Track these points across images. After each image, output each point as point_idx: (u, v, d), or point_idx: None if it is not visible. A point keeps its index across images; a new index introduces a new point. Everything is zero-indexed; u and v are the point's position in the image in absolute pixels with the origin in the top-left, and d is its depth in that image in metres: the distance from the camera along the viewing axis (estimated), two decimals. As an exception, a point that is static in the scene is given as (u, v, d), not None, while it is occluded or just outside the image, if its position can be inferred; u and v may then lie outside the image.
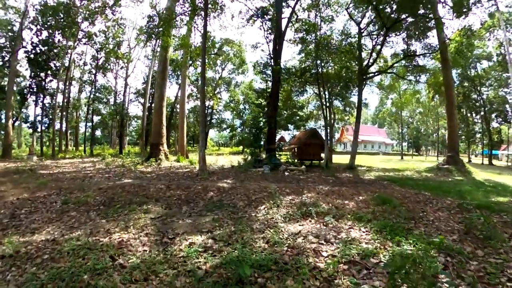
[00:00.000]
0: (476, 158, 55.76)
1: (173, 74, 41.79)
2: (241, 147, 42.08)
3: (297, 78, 20.48)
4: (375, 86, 29.31)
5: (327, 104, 21.70)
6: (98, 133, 72.59)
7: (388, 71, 23.16)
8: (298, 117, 31.99)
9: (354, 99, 31.48)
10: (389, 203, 7.41)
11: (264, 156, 18.72)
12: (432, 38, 21.08)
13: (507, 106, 37.89)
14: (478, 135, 43.05)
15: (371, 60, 20.71)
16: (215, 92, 48.65)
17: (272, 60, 19.79)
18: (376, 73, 22.03)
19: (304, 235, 5.05)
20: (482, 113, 39.32)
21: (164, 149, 20.05)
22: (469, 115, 42.32)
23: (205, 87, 45.62)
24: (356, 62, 20.60)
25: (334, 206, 7.42)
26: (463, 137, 45.19)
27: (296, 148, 22.32)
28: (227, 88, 51.08)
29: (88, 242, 4.53)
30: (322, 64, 20.30)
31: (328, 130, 29.57)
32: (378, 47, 20.66)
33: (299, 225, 5.75)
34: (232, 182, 11.24)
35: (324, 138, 23.91)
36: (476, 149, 69.91)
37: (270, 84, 20.75)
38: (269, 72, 20.64)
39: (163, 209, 6.90)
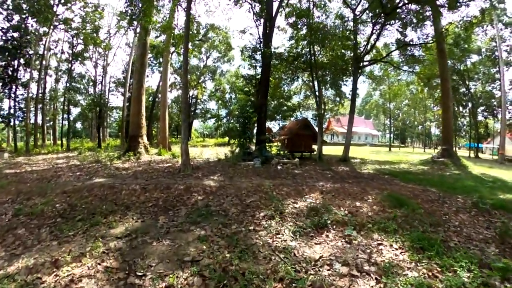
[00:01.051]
0: (460, 150, 56.37)
1: (155, 62, 39.40)
2: (227, 138, 40.48)
3: (289, 64, 18.97)
4: (366, 76, 28.08)
5: (319, 93, 20.32)
6: (78, 126, 69.24)
7: (384, 60, 21.96)
8: (285, 107, 30.70)
9: (345, 89, 30.45)
10: (406, 205, 6.54)
11: (253, 148, 17.31)
12: (429, 28, 20.29)
13: (493, 100, 38.04)
14: (466, 128, 43.00)
15: (368, 47, 19.38)
16: (200, 81, 46.47)
17: (262, 45, 18.18)
18: (372, 61, 20.80)
19: (328, 261, 3.71)
20: (469, 107, 39.43)
21: (144, 142, 18.29)
22: (456, 108, 42.27)
23: (189, 76, 44.18)
24: (351, 50, 19.26)
25: (348, 211, 6.15)
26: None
27: (286, 139, 20.97)
28: (212, 77, 48.91)
29: (25, 284, 3.08)
30: (315, 50, 18.87)
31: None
32: (375, 35, 19.33)
33: (316, 243, 4.41)
34: (220, 179, 9.77)
35: (315, 128, 22.79)
36: (460, 142, 71.15)
37: (259, 70, 19.22)
38: (258, 57, 19.07)
39: (135, 221, 5.37)
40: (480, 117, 40.92)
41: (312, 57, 18.38)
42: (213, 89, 48.43)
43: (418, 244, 4.32)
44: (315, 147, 21.93)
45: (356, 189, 9.03)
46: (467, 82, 36.75)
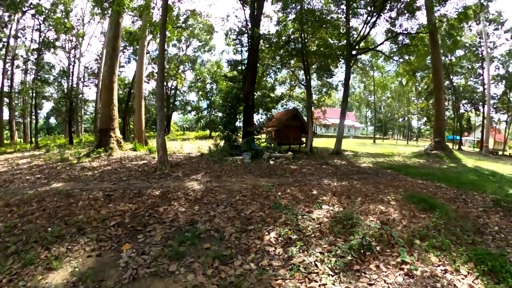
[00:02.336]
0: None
1: (131, 49, 36.53)
2: (208, 131, 38.43)
3: (278, 49, 17.27)
4: (360, 65, 26.91)
5: (309, 82, 18.79)
6: (53, 121, 64.65)
7: (376, 49, 20.68)
8: (269, 99, 29.02)
9: (333, 79, 29.18)
10: (435, 208, 5.71)
11: (240, 141, 15.61)
12: (423, 18, 19.52)
13: (475, 95, 38.70)
14: (449, 121, 43.30)
15: (364, 32, 17.94)
16: (179, 71, 43.83)
17: (248, 28, 16.34)
18: (366, 49, 19.43)
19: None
20: (452, 100, 39.83)
21: (117, 136, 16.13)
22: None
23: (168, 65, 41.60)
24: (344, 36, 17.81)
25: (379, 220, 4.81)
26: (433, 122, 45.47)
27: (274, 131, 19.39)
28: (192, 67, 46.30)
29: None
30: (306, 35, 17.25)
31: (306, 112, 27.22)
32: (370, 23, 17.91)
33: (369, 283, 2.93)
34: (206, 179, 8.04)
35: (304, 120, 21.35)
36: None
37: (245, 55, 17.43)
38: (244, 40, 17.25)
39: (87, 254, 3.53)
40: (462, 110, 41.39)
41: (304, 42, 16.74)
42: (193, 79, 45.84)
43: (485, 265, 3.47)
44: (303, 139, 20.60)
45: (369, 187, 7.81)
46: (450, 76, 36.97)
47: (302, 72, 28.95)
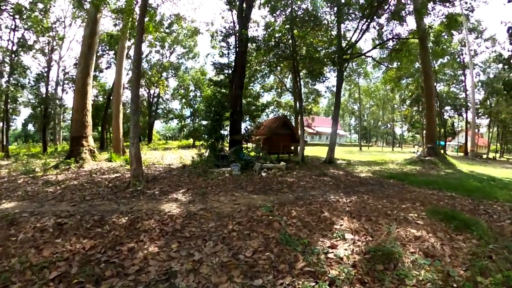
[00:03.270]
0: (418, 148, 57.85)
1: (111, 53, 34.54)
2: (191, 140, 36.74)
3: (268, 52, 16.14)
4: (349, 71, 26.28)
5: (300, 87, 17.77)
6: (32, 128, 60.86)
7: (367, 54, 19.94)
8: (254, 107, 27.87)
9: (319, 86, 28.43)
10: (472, 226, 4.94)
11: (227, 150, 14.24)
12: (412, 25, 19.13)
13: (457, 101, 39.59)
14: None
15: (355, 38, 17.17)
16: (161, 77, 42.01)
17: (236, 29, 15.15)
18: (357, 54, 18.63)
19: None
20: (436, 106, 40.22)
21: (90, 145, 14.48)
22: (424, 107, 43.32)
23: (150, 71, 39.80)
24: (335, 41, 16.94)
25: (422, 252, 3.72)
26: (418, 128, 46.37)
27: (263, 139, 18.13)
28: (175, 73, 44.63)
29: None
30: (297, 39, 16.22)
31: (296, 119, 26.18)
32: (362, 27, 17.15)
33: None
34: (188, 198, 6.60)
35: (293, 127, 20.31)
36: (420, 139, 73.65)
37: (232, 58, 16.18)
38: (232, 41, 16.01)
39: None
40: (446, 116, 41.81)
41: (294, 44, 15.68)
42: (177, 86, 44.12)
43: None
44: (293, 147, 19.49)
45: (383, 203, 6.85)
46: (434, 83, 37.11)
47: (290, 78, 28.42)
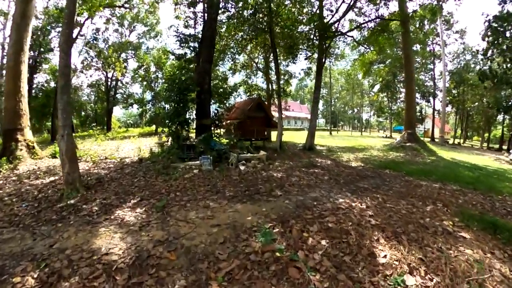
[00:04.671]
0: (384, 133, 59.38)
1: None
2: (154, 127, 33.46)
3: (241, 24, 13.71)
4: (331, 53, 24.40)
5: (278, 64, 15.64)
6: None
7: (348, 34, 18.18)
8: (221, 90, 25.19)
9: (292, 67, 26.47)
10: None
11: (194, 137, 11.86)
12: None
13: (423, 88, 40.04)
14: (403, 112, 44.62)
15: (336, 17, 15.31)
16: (118, 57, 37.47)
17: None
18: (339, 33, 16.72)
19: None
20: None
21: (27, 139, 11.27)
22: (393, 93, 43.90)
23: (106, 51, 35.29)
24: (315, 18, 14.94)
25: None
26: (387, 114, 46.84)
27: (236, 124, 15.88)
28: (135, 54, 40.16)
29: None
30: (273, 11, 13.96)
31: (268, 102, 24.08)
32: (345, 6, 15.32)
33: None
34: (141, 217, 4.32)
35: (268, 110, 18.28)
36: (385, 125, 75.79)
37: (200, 29, 13.49)
38: (199, 9, 13.35)
39: None
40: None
41: (271, 16, 13.40)
42: (136, 67, 39.83)
43: None
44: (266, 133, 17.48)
45: (405, 206, 5.44)
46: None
47: (261, 58, 26.12)
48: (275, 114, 17.45)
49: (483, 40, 15.53)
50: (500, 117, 38.95)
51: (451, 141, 38.88)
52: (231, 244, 3.37)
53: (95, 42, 33.94)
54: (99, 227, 3.91)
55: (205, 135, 10.79)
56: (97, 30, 33.25)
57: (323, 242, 3.56)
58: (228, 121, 16.58)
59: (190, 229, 3.78)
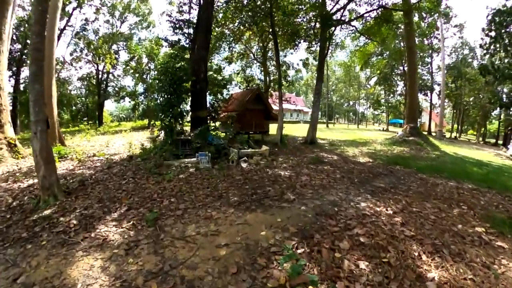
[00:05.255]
0: (381, 126, 59.08)
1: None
2: (147, 120, 32.20)
3: (240, 10, 12.69)
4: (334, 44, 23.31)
5: (278, 54, 14.70)
6: None
7: (351, 23, 17.21)
8: (216, 81, 24.01)
9: (291, 58, 25.50)
10: None
11: (190, 131, 10.88)
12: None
13: (421, 81, 39.13)
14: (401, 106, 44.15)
15: (338, 5, 14.34)
16: (109, 49, 35.87)
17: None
18: (342, 22, 15.71)
19: None
20: (402, 85, 40.66)
21: (7, 137, 10.16)
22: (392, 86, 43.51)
23: (96, 42, 33.81)
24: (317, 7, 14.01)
25: None
26: (384, 107, 47.03)
27: (234, 116, 14.87)
28: (126, 45, 38.53)
29: None
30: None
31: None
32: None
33: None
34: (126, 238, 3.43)
35: (268, 102, 17.32)
36: (381, 117, 75.62)
37: (194, 14, 12.41)
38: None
39: None
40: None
41: (271, 3, 12.42)
42: (128, 59, 38.29)
43: None
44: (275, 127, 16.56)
45: (432, 211, 4.82)
46: (403, 61, 36.29)
47: (256, 49, 25.11)
48: (273, 106, 16.59)
49: (486, 35, 15.05)
50: (496, 112, 38.82)
51: (447, 135, 38.48)
52: (247, 275, 2.56)
53: (84, 33, 32.45)
54: (76, 250, 3.05)
55: (202, 129, 9.87)
56: (86, 20, 31.75)
57: (361, 265, 2.81)
58: (225, 114, 15.63)
59: (191, 252, 2.94)
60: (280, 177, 6.49)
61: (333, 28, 15.02)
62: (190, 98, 11.00)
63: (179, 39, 11.87)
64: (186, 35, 11.80)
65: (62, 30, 26.13)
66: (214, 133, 11.57)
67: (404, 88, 40.27)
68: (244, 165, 7.71)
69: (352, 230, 3.71)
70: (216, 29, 16.20)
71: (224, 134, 12.51)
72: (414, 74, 20.26)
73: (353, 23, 16.54)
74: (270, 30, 14.26)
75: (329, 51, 15.69)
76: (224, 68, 24.67)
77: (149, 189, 5.29)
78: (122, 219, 3.93)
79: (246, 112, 14.35)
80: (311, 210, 4.39)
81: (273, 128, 16.63)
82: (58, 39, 25.12)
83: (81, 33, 32.28)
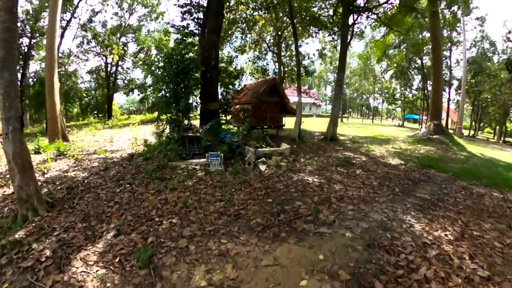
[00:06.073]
0: (393, 121, 57.45)
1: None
2: (156, 113, 31.30)
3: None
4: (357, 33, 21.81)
5: (297, 41, 13.44)
6: None
7: (375, 11, 15.68)
8: (225, 74, 22.48)
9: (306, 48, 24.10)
10: None
11: (198, 126, 9.66)
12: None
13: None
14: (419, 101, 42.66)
15: None
16: (118, 40, 34.87)
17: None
18: (365, 8, 14.18)
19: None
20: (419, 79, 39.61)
21: None
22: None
23: (103, 33, 33.00)
24: None
25: None
26: (399, 101, 46.22)
27: (250, 109, 13.60)
28: (134, 37, 37.53)
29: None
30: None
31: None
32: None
33: None
34: (111, 280, 2.48)
35: (284, 94, 15.98)
36: (394, 113, 73.69)
37: None
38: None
39: None
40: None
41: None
42: (136, 51, 37.33)
43: None
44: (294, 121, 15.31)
45: (494, 235, 3.92)
46: (421, 54, 35.34)
47: (269, 40, 23.77)
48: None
49: None
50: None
51: (466, 133, 36.65)
52: None
53: (90, 25, 31.54)
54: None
55: (212, 123, 8.73)
56: (93, 11, 30.76)
57: None
58: (237, 106, 14.42)
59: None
60: (309, 185, 5.35)
61: (355, 16, 13.69)
62: (200, 89, 9.84)
63: (188, 24, 10.67)
64: (196, 20, 10.62)
65: (68, 22, 25.23)
66: (226, 127, 10.42)
67: (421, 83, 39.57)
68: (262, 167, 6.60)
69: (417, 271, 2.67)
70: (228, 14, 14.97)
71: (236, 129, 11.39)
72: (439, 68, 18.69)
73: (376, 10, 15.08)
74: (287, 16, 13.01)
75: (351, 40, 14.17)
76: (236, 57, 23.45)
77: (147, 201, 4.25)
78: (107, 250, 2.91)
79: (261, 104, 13.16)
80: (359, 238, 3.30)
81: (288, 123, 15.50)
82: (64, 31, 24.41)
83: (88, 25, 31.32)
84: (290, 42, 22.68)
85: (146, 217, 3.70)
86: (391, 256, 2.98)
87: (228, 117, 12.82)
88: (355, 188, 5.35)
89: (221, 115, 11.47)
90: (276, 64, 23.14)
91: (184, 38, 9.48)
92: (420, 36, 30.35)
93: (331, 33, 14.21)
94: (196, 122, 10.50)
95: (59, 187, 5.07)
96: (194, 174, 5.83)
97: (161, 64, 9.60)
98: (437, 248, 3.28)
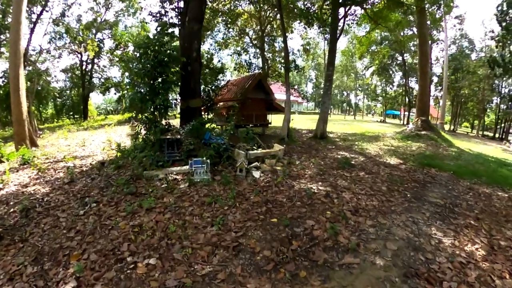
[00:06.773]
0: (373, 117, 58.28)
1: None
2: (134, 113, 29.63)
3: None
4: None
5: (285, 35, 12.72)
6: None
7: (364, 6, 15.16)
8: (207, 70, 21.19)
9: (289, 43, 23.46)
10: None
11: (179, 127, 8.53)
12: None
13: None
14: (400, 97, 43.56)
15: None
16: (92, 36, 32.77)
17: None
18: (357, 1, 13.73)
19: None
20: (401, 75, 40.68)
21: None
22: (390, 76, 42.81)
23: (76, 28, 31.01)
24: None
25: None
26: (380, 97, 46.43)
27: (236, 106, 12.59)
28: (111, 32, 35.46)
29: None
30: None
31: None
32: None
33: None
34: None
35: (271, 90, 15.12)
36: (375, 109, 74.86)
37: None
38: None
39: None
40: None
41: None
42: (112, 47, 35.37)
43: None
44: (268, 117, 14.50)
45: None
46: (402, 52, 36.72)
47: (251, 35, 22.93)
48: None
49: (500, 25, 14.53)
50: (493, 104, 39.20)
51: (447, 128, 37.69)
52: None
53: (63, 18, 29.46)
54: None
55: (195, 123, 7.74)
56: (66, 4, 28.70)
57: None
58: (221, 103, 13.45)
59: None
60: (315, 195, 4.58)
61: (345, 9, 13.15)
62: (180, 84, 8.81)
63: (166, 11, 9.62)
64: (176, 10, 9.59)
65: (39, 15, 23.38)
66: (209, 126, 9.42)
67: (402, 79, 40.25)
68: (256, 174, 5.77)
69: None
70: (211, 4, 14.03)
71: (219, 128, 10.48)
72: (426, 65, 18.75)
73: (365, 5, 14.53)
74: (272, 8, 12.23)
75: (341, 35, 13.61)
76: (219, 49, 22.46)
77: (116, 229, 3.32)
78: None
79: (247, 101, 12.29)
80: (392, 266, 2.68)
81: (274, 120, 14.81)
82: (34, 26, 22.58)
83: (60, 19, 29.19)
84: (274, 37, 22.04)
85: (115, 255, 2.79)
86: (434, 287, 2.32)
87: (210, 116, 11.94)
88: (366, 197, 4.66)
89: (203, 113, 10.52)
90: (260, 59, 22.33)
91: (164, 30, 8.43)
92: (403, 33, 30.71)
93: (322, 25, 13.59)
94: (176, 122, 9.45)
95: (12, 209, 4.06)
96: (175, 186, 4.92)
97: (137, 54, 8.37)
98: (474, 268, 2.94)
